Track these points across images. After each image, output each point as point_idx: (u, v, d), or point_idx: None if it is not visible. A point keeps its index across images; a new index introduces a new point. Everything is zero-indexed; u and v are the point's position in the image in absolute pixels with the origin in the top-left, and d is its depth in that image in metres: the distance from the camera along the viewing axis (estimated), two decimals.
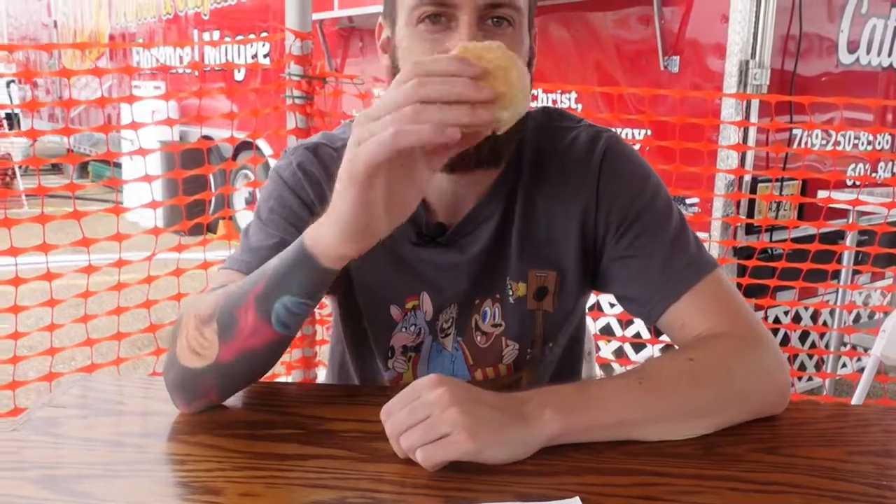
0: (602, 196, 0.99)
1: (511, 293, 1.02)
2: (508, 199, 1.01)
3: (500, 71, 0.71)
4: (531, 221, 1.01)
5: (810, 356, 3.36)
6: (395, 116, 0.68)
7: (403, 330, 1.04)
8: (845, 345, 2.99)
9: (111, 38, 8.99)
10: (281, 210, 1.00)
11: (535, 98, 3.56)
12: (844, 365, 3.42)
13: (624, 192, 0.99)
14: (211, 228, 2.62)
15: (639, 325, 3.15)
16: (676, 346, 0.97)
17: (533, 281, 1.02)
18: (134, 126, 2.03)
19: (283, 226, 0.99)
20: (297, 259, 0.81)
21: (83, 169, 9.33)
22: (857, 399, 2.12)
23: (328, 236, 0.78)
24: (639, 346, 3.23)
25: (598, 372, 3.05)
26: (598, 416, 0.80)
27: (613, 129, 1.05)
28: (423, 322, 1.04)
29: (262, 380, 0.94)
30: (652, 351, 3.00)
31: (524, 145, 1.01)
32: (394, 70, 0.94)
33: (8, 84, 11.12)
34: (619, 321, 3.15)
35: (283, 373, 2.46)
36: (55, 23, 10.99)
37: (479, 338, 1.04)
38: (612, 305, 3.18)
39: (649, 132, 3.15)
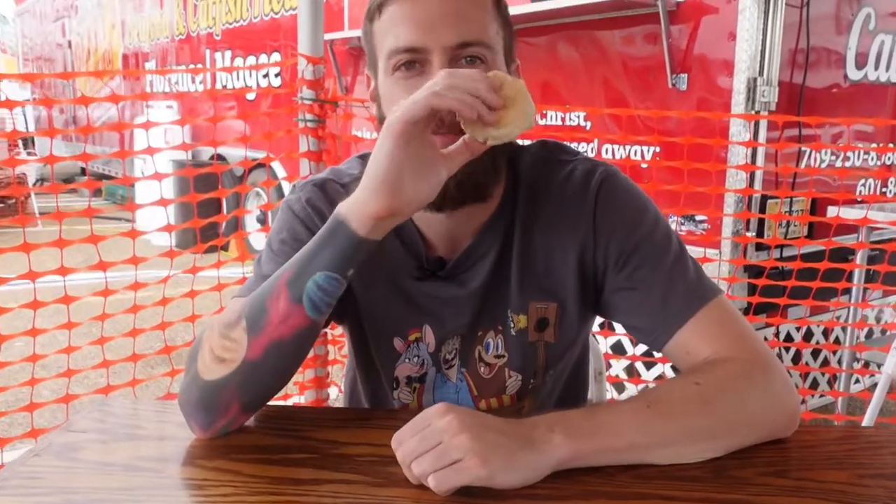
0: (599, 229, 1.01)
1: (512, 325, 1.04)
2: (506, 232, 1.02)
3: (509, 89, 0.81)
4: (529, 254, 1.02)
5: (822, 373, 3.35)
6: (430, 85, 0.78)
7: (406, 361, 1.06)
8: (857, 361, 2.97)
9: (124, 57, 9.09)
10: (292, 242, 1.02)
11: (543, 116, 3.58)
12: (857, 381, 3.40)
13: (621, 225, 1.01)
14: (223, 247, 2.65)
15: None
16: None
17: (533, 313, 1.03)
18: (150, 151, 2.06)
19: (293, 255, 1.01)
20: (328, 231, 0.86)
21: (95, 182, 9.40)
22: (868, 418, 2.11)
23: (360, 193, 0.83)
24: (650, 364, 3.23)
25: (609, 391, 3.05)
26: (608, 441, 0.81)
27: (622, 150, 1.07)
28: (426, 354, 1.06)
29: (275, 400, 0.96)
30: (663, 369, 3.00)
31: (520, 178, 1.03)
32: (380, 118, 0.98)
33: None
34: (630, 340, 3.15)
35: (295, 392, 2.47)
36: (69, 43, 11.13)
37: (482, 369, 1.06)
38: None
39: (658, 149, 3.16)
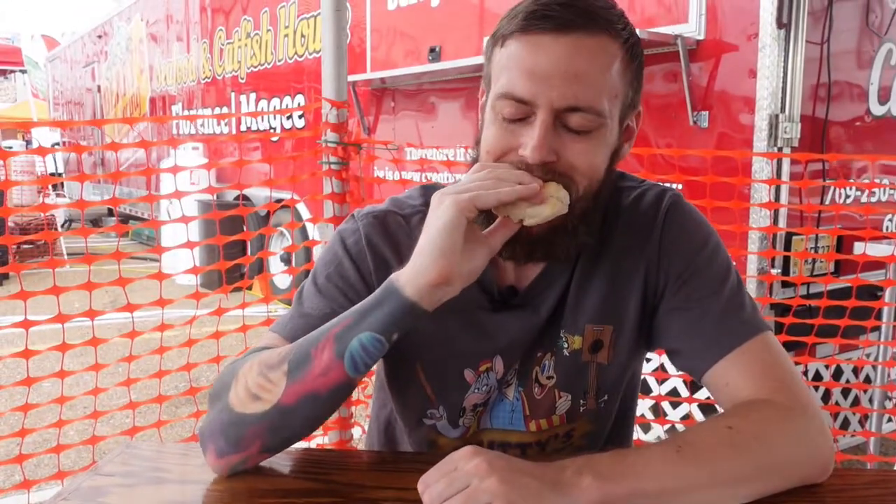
0: (664, 249, 1.02)
1: (566, 346, 1.04)
2: (575, 258, 1.03)
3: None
4: (593, 279, 1.03)
5: (853, 413, 3.29)
6: (485, 184, 0.85)
7: (476, 391, 1.06)
8: (889, 400, 2.92)
9: (152, 100, 9.29)
10: (338, 279, 1.03)
11: None
12: (890, 420, 3.33)
13: (686, 246, 1.02)
14: (248, 288, 2.68)
15: (675, 382, 3.12)
16: (718, 406, 0.97)
17: (589, 335, 1.04)
18: (178, 195, 2.10)
19: (337, 297, 1.02)
20: (381, 294, 0.88)
21: (122, 223, 9.56)
22: None
23: (416, 261, 0.86)
24: (675, 404, 3.19)
25: (634, 431, 3.00)
26: (637, 485, 0.80)
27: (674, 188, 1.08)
28: (494, 381, 1.06)
29: (299, 443, 0.96)
30: (689, 408, 2.96)
31: None
32: (477, 135, 0.99)
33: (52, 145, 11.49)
34: (656, 379, 3.12)
35: (318, 433, 2.46)
36: (98, 87, 11.40)
37: (536, 389, 1.06)
38: (647, 361, 3.15)
39: (680, 187, 3.16)
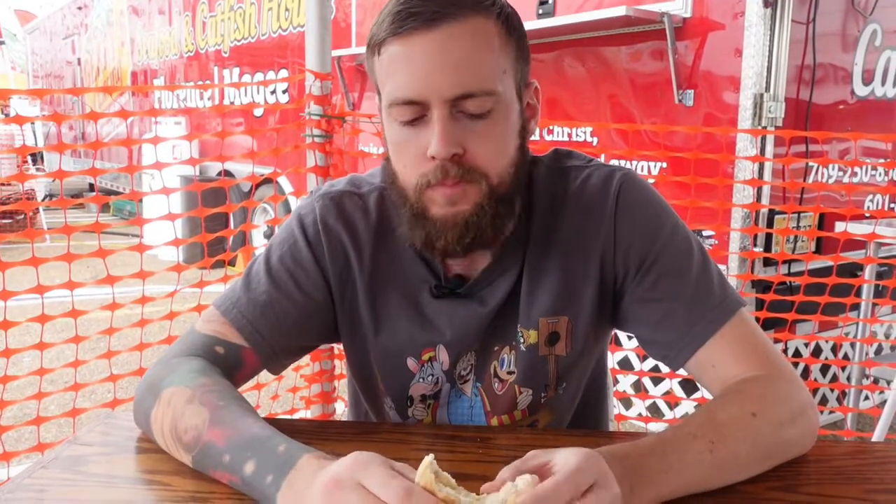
0: (620, 235, 0.99)
1: (522, 340, 1.02)
2: (525, 247, 1.00)
3: None
4: (545, 270, 1.00)
5: (831, 390, 3.33)
6: None
7: (421, 380, 1.04)
8: (867, 377, 2.96)
9: (133, 74, 9.17)
10: (291, 262, 1.02)
11: (550, 132, 3.60)
12: (867, 398, 3.38)
13: (643, 230, 0.99)
14: (230, 262, 2.66)
15: None
16: (710, 387, 0.96)
17: (544, 328, 1.01)
18: (158, 166, 2.08)
19: (286, 282, 1.01)
20: (275, 455, 0.78)
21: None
22: (878, 434, 2.09)
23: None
24: (657, 380, 3.21)
25: (616, 407, 3.03)
26: (669, 485, 0.77)
27: (628, 165, 1.05)
28: (440, 372, 1.04)
29: (281, 414, 0.95)
30: (670, 385, 2.98)
31: (535, 190, 1.01)
32: (384, 147, 0.97)
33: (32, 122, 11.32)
34: (637, 355, 3.14)
35: (301, 407, 2.46)
36: (79, 60, 11.25)
37: (496, 384, 1.04)
38: (629, 338, 3.17)
39: (664, 165, 3.16)
